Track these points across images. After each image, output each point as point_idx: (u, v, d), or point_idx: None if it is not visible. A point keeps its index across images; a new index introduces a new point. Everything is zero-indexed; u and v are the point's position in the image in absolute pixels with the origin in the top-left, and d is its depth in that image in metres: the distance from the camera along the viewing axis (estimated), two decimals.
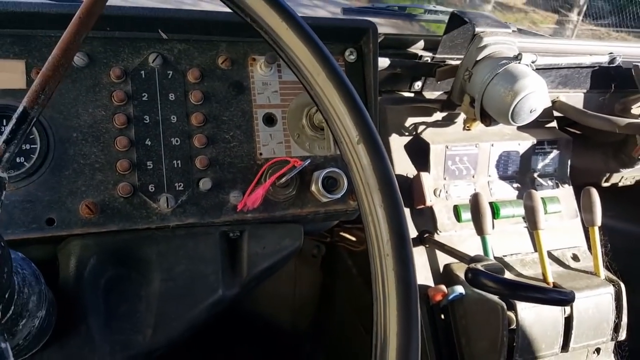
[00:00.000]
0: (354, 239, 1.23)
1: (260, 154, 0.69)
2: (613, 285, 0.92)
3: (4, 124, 0.60)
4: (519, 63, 0.81)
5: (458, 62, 0.92)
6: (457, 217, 0.94)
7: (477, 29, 0.86)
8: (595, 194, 0.93)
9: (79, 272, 0.61)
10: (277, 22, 0.45)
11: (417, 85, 0.98)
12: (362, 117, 0.44)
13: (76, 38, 0.44)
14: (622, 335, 0.93)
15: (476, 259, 0.71)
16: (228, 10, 0.59)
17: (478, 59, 0.85)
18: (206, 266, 0.67)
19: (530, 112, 0.79)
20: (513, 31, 0.89)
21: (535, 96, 0.78)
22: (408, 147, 0.95)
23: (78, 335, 0.60)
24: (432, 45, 0.95)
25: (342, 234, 1.25)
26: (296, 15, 0.45)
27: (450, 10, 0.98)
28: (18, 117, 0.41)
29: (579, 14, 3.36)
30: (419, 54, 0.94)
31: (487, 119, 0.86)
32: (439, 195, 0.94)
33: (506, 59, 0.82)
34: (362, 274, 1.16)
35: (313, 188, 0.68)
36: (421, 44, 0.95)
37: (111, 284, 0.63)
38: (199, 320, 0.66)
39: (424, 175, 0.91)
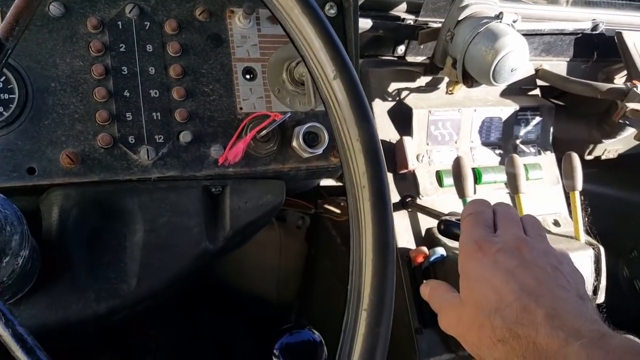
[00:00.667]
0: (337, 210, 1.24)
1: (241, 108, 0.69)
2: (592, 248, 0.94)
3: None
4: (500, 22, 0.81)
5: (439, 25, 0.93)
6: (440, 182, 0.94)
7: None
8: (576, 158, 0.95)
9: (61, 222, 0.61)
10: None
11: (400, 49, 0.98)
12: (337, 52, 0.45)
13: None
14: (601, 298, 0.95)
15: (451, 214, 0.72)
16: None
17: (459, 19, 0.85)
18: (189, 219, 0.67)
19: (512, 71, 0.80)
20: None
21: (515, 55, 0.79)
22: (391, 112, 0.95)
23: (63, 283, 0.60)
24: (414, 9, 0.95)
25: (325, 205, 1.25)
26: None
27: None
28: None
29: None
30: (402, 17, 0.94)
31: (469, 80, 0.86)
32: (422, 161, 0.95)
33: (487, 18, 0.83)
34: (346, 243, 1.17)
35: (294, 143, 0.68)
36: (404, 6, 0.94)
37: (94, 234, 0.63)
38: (183, 272, 0.67)
39: (406, 139, 0.91)
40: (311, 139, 0.68)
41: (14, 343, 0.36)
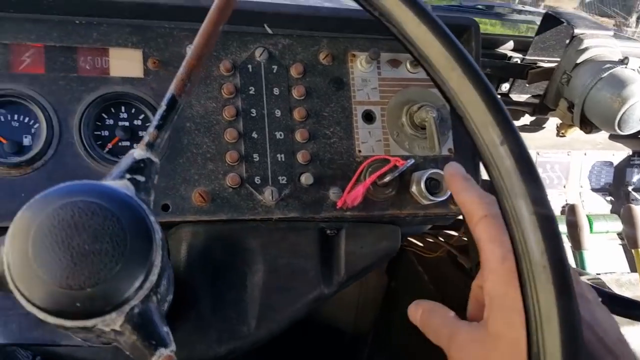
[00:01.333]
0: (422, 244, 1.21)
1: (359, 151, 0.68)
2: None
3: (123, 110, 0.63)
4: (625, 68, 0.77)
5: (550, 64, 0.89)
6: None
7: (576, 31, 0.83)
8: (636, 210, 0.87)
9: (189, 258, 0.63)
10: (408, 17, 0.44)
11: (505, 87, 0.95)
12: (504, 117, 0.43)
13: (216, 27, 0.45)
14: None
15: (579, 274, 0.68)
16: (329, 5, 0.59)
17: (578, 61, 0.82)
18: (306, 261, 0.67)
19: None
20: (615, 34, 0.85)
21: None
22: None
23: (188, 321, 0.62)
24: (521, 46, 0.93)
25: (410, 238, 1.23)
26: (427, 8, 0.44)
27: (541, 10, 0.95)
28: (167, 103, 0.43)
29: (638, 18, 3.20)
30: (508, 55, 0.92)
31: (588, 126, 0.82)
32: None
33: (610, 62, 0.79)
34: (434, 282, 1.14)
35: (414, 189, 0.67)
36: (510, 44, 0.92)
37: (218, 272, 0.65)
38: (298, 315, 0.67)
39: None
40: (432, 186, 0.66)
41: None
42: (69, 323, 0.35)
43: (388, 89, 0.70)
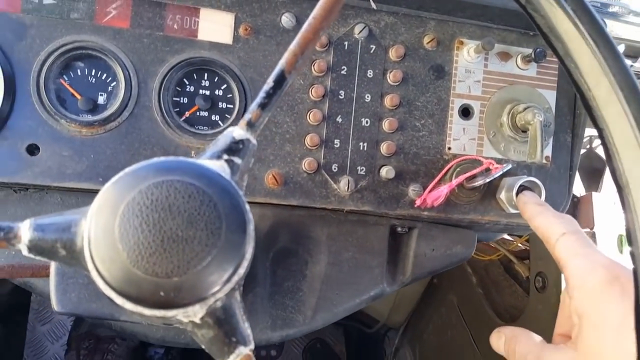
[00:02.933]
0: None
1: (449, 148, 0.62)
2: None
3: (205, 78, 0.58)
4: None
5: None
6: (620, 247, 0.83)
7: None
8: None
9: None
10: (560, 10, 0.38)
11: None
12: None
13: (337, 0, 0.40)
14: None
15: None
16: None
17: None
18: (372, 257, 0.63)
19: None
20: None
21: None
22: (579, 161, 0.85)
23: (245, 303, 0.58)
24: (632, 52, 0.83)
25: None
26: (590, 8, 0.37)
27: None
28: (275, 79, 0.37)
29: None
30: None
31: None
32: (605, 221, 0.84)
33: None
34: (482, 285, 1.09)
35: (502, 196, 0.61)
36: (621, 47, 0.83)
37: (279, 257, 0.61)
38: (355, 309, 0.63)
39: (595, 196, 0.81)
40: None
41: None
42: (148, 312, 0.31)
43: (492, 83, 0.63)
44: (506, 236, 1.11)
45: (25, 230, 0.31)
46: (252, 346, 0.35)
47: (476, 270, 1.13)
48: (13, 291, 1.26)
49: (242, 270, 0.33)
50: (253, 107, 0.37)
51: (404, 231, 0.66)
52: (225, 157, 0.36)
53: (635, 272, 0.36)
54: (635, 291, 0.35)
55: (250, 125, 0.37)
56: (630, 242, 0.36)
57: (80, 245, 0.32)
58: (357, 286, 0.63)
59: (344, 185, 0.59)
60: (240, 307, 0.35)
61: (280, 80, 0.38)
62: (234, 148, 0.36)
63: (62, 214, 0.33)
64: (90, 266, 0.31)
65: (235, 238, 0.32)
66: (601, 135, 0.39)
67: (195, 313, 0.32)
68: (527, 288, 0.95)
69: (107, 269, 0.31)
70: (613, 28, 0.87)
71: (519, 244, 1.03)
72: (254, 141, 0.37)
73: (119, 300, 0.31)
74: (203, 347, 0.35)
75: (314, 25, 0.39)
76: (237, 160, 0.36)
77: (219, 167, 0.35)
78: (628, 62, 0.82)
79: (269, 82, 0.37)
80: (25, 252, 0.32)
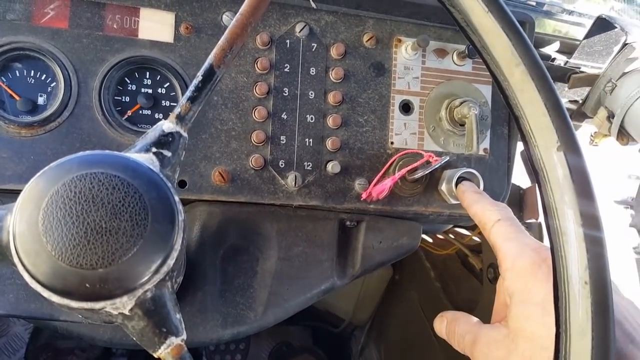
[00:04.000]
0: (431, 240, 1.19)
1: (392, 142, 0.65)
2: None
3: (147, 76, 0.58)
4: None
5: (594, 70, 0.85)
6: None
7: (630, 38, 0.78)
8: None
9: (201, 238, 0.60)
10: (475, 3, 0.40)
11: None
12: (565, 122, 0.39)
13: None
14: None
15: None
16: None
17: (626, 71, 0.77)
18: (322, 251, 0.64)
19: None
20: None
21: None
22: (524, 154, 0.89)
23: (194, 303, 0.59)
24: (567, 49, 0.88)
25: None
26: (502, 3, 0.40)
27: (593, 14, 0.90)
28: (204, 73, 0.39)
29: None
30: (552, 56, 0.87)
31: (625, 138, 0.78)
32: None
33: None
34: (440, 279, 1.12)
35: (443, 187, 0.64)
36: (556, 45, 0.87)
37: (229, 254, 0.61)
38: (307, 304, 0.64)
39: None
40: None
41: None
42: (75, 304, 0.32)
43: (430, 79, 0.65)
44: (463, 231, 1.15)
45: None
46: (183, 336, 0.35)
47: (435, 265, 1.16)
48: None
49: (171, 262, 0.34)
50: (182, 100, 0.38)
51: (353, 225, 0.67)
52: (154, 149, 0.36)
53: (551, 247, 0.38)
54: (553, 265, 0.38)
55: (180, 118, 0.38)
56: (545, 214, 0.39)
57: (7, 240, 0.32)
58: (307, 280, 0.64)
59: (291, 180, 0.61)
60: (171, 298, 0.35)
61: (209, 74, 0.39)
62: (163, 141, 0.37)
63: None
64: (16, 260, 0.32)
65: (163, 229, 0.33)
66: (518, 123, 0.42)
67: (124, 305, 0.32)
68: (481, 280, 0.98)
69: (32, 262, 0.31)
70: (548, 25, 0.92)
71: (474, 237, 1.07)
72: (184, 134, 0.38)
73: (46, 293, 0.32)
74: (135, 339, 0.35)
75: (241, 21, 0.40)
76: (166, 152, 0.37)
77: (147, 159, 0.36)
78: (563, 57, 0.87)
79: (198, 76, 0.38)
80: None
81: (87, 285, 0.31)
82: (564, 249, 0.37)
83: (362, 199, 0.63)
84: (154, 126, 0.38)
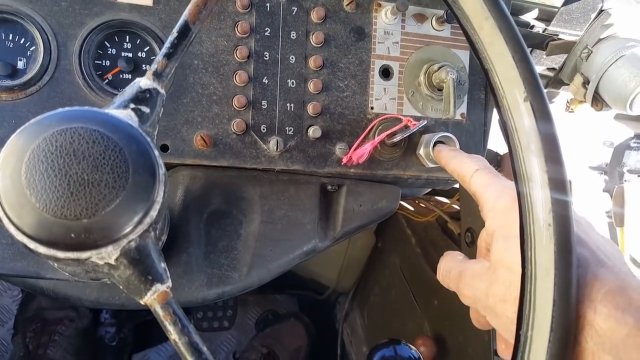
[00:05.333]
0: (413, 208, 1.22)
1: (372, 107, 0.66)
2: None
3: (127, 40, 0.58)
4: None
5: (571, 37, 0.86)
6: None
7: (606, 4, 0.79)
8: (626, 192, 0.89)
9: (185, 202, 0.61)
10: None
11: None
12: (531, 74, 0.41)
13: None
14: None
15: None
16: None
17: (602, 37, 0.79)
18: (304, 215, 0.66)
19: None
20: None
21: None
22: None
23: (179, 264, 0.60)
24: (545, 16, 0.89)
25: (402, 202, 1.23)
26: None
27: None
28: (179, 30, 0.39)
29: None
30: (531, 24, 0.88)
31: (599, 104, 0.80)
32: None
33: (635, 41, 0.76)
34: (421, 245, 1.15)
35: (421, 151, 0.65)
36: (535, 12, 0.88)
37: (213, 218, 0.63)
38: (289, 265, 0.66)
39: None
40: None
41: (189, 353, 0.35)
42: (61, 254, 0.33)
43: (410, 44, 0.66)
44: (442, 199, 1.17)
45: None
46: (169, 283, 0.37)
47: (416, 232, 1.19)
48: None
49: (153, 213, 0.35)
50: (159, 57, 0.38)
51: (334, 189, 0.69)
52: (132, 105, 0.37)
53: (518, 192, 0.40)
54: (519, 210, 0.40)
55: (157, 75, 0.39)
56: (512, 162, 0.41)
57: None
58: (290, 242, 0.66)
59: (273, 145, 0.62)
60: (155, 248, 0.37)
61: (185, 30, 0.39)
62: (141, 97, 0.38)
63: None
64: (1, 214, 0.32)
65: (144, 181, 0.34)
66: (487, 77, 0.43)
67: (109, 254, 0.34)
68: (460, 244, 1.01)
69: (17, 215, 0.32)
70: None
71: (453, 205, 1.10)
72: (162, 91, 0.39)
73: (32, 244, 0.33)
74: (121, 287, 0.36)
75: None
76: (144, 109, 0.38)
77: (126, 115, 0.37)
78: (541, 24, 0.88)
79: (174, 33, 0.39)
80: None
81: (72, 235, 0.32)
82: (530, 194, 0.39)
83: (342, 164, 0.65)
84: (131, 83, 0.38)
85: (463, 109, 0.69)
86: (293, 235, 0.66)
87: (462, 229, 1.00)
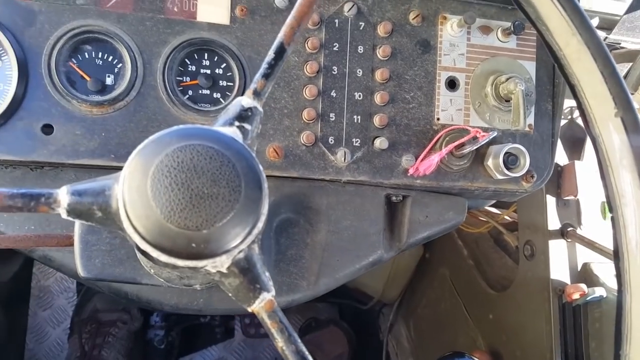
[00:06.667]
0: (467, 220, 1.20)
1: (438, 119, 0.66)
2: None
3: (206, 57, 0.61)
4: None
5: (634, 46, 0.85)
6: (604, 213, 0.88)
7: None
8: None
9: None
10: None
11: None
12: (622, 89, 0.41)
13: None
14: None
15: None
16: None
17: None
18: (370, 225, 0.67)
19: None
20: None
21: None
22: (561, 131, 0.89)
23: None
24: (606, 25, 0.88)
25: None
26: None
27: None
28: (276, 51, 0.41)
29: None
30: None
31: None
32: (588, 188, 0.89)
33: None
34: (473, 257, 1.14)
35: (490, 163, 0.65)
36: (595, 20, 0.87)
37: (282, 227, 0.64)
38: (355, 275, 0.67)
39: (578, 164, 0.86)
40: (510, 161, 0.64)
41: None
42: (181, 262, 0.35)
43: (476, 56, 0.66)
44: (495, 210, 1.16)
45: (63, 195, 0.35)
46: (273, 292, 0.38)
47: (467, 243, 1.18)
48: (14, 278, 1.28)
49: (260, 224, 0.37)
50: (257, 77, 0.40)
51: (399, 199, 0.69)
52: (237, 123, 0.39)
53: (609, 208, 0.40)
54: (612, 227, 0.39)
55: (257, 94, 0.41)
56: (603, 178, 0.41)
57: (115, 206, 0.35)
58: (356, 252, 0.67)
59: (340, 156, 0.63)
60: (260, 258, 0.38)
61: (281, 51, 0.41)
62: (244, 115, 0.40)
63: (94, 180, 0.36)
64: (126, 224, 0.35)
65: (254, 195, 0.36)
66: (574, 92, 0.43)
67: (222, 263, 0.36)
68: (516, 258, 0.99)
69: (142, 225, 0.34)
70: (587, 0, 0.91)
71: (506, 217, 1.08)
72: (260, 109, 0.41)
73: (155, 253, 0.35)
74: (230, 295, 0.38)
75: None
76: (247, 126, 0.40)
77: (232, 132, 0.39)
78: (602, 33, 0.87)
79: (270, 54, 0.41)
80: (64, 215, 0.35)
81: (193, 245, 0.34)
82: (622, 212, 0.39)
83: (409, 175, 0.65)
84: (233, 102, 0.40)
85: (530, 120, 0.68)
86: (359, 245, 0.67)
87: (520, 242, 0.98)
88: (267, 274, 0.38)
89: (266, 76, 0.41)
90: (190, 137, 0.35)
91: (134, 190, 0.34)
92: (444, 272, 1.23)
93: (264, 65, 0.41)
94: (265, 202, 0.36)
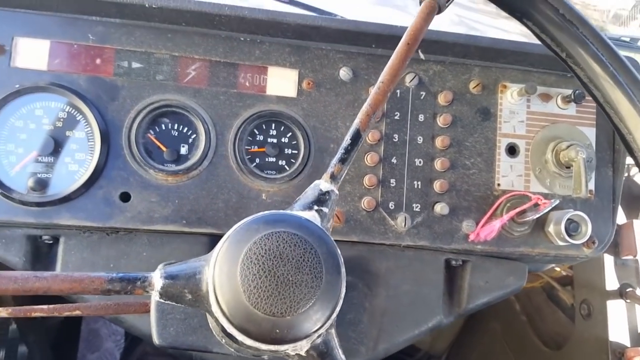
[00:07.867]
0: None
1: (498, 184, 0.66)
2: None
3: (273, 127, 0.64)
4: None
5: None
6: None
7: None
8: None
9: None
10: (599, 62, 0.42)
11: None
12: None
13: (403, 63, 0.45)
14: None
15: None
16: (486, 35, 0.57)
17: None
18: (429, 290, 0.66)
19: None
20: None
21: None
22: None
23: None
24: None
25: None
26: (622, 57, 0.42)
27: None
28: (352, 137, 0.43)
29: None
30: None
31: None
32: None
33: None
34: (526, 312, 1.10)
35: (551, 229, 0.65)
36: None
37: None
38: (414, 340, 0.66)
39: (636, 223, 0.83)
40: (572, 228, 0.64)
41: None
42: (264, 347, 0.36)
43: (535, 123, 0.67)
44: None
45: (157, 279, 0.37)
46: None
47: (519, 297, 1.15)
48: (64, 321, 1.32)
49: (338, 308, 0.38)
50: (334, 162, 0.42)
51: (458, 264, 0.69)
52: (316, 207, 0.41)
53: None
54: None
55: (333, 178, 0.42)
56: None
57: (205, 290, 0.37)
58: (415, 317, 0.66)
59: (400, 221, 0.64)
60: (336, 340, 0.39)
61: (357, 137, 0.43)
62: (322, 199, 0.42)
63: (185, 262, 0.38)
64: (215, 308, 0.36)
65: (333, 280, 0.37)
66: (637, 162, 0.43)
67: (302, 347, 0.37)
68: (570, 315, 0.96)
69: (231, 310, 0.36)
70: None
71: (562, 271, 1.05)
72: (337, 192, 0.42)
73: (241, 337, 0.36)
74: None
75: (382, 89, 0.44)
76: (325, 209, 0.41)
77: (312, 216, 0.40)
78: None
79: (347, 140, 0.43)
80: (156, 297, 0.37)
81: (277, 330, 0.35)
82: None
83: (469, 240, 0.65)
84: (312, 185, 0.42)
85: (591, 185, 0.68)
86: (418, 310, 0.66)
87: (575, 300, 0.95)
88: (342, 355, 0.39)
89: (342, 161, 0.42)
90: (275, 224, 0.37)
91: (225, 276, 0.35)
92: (495, 327, 1.20)
93: (341, 150, 0.43)
94: (344, 285, 0.38)
